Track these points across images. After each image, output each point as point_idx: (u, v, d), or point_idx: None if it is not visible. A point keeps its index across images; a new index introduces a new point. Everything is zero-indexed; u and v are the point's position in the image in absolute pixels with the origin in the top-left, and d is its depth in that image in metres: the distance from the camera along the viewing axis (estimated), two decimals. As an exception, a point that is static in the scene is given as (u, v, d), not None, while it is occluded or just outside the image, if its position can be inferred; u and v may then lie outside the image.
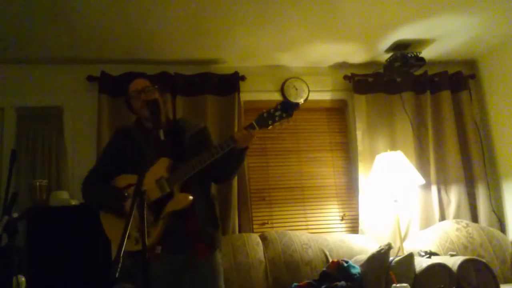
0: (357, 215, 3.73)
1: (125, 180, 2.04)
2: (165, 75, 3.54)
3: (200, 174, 1.96)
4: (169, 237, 1.94)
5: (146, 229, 1.51)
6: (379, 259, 2.89)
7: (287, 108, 1.86)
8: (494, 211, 3.80)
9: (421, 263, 2.86)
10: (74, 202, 3.07)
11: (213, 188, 2.28)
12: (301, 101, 3.89)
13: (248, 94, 3.78)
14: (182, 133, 2.11)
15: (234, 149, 1.94)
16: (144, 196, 1.52)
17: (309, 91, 3.90)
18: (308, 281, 2.96)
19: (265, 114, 1.88)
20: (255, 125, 1.89)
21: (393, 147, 3.70)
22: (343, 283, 2.81)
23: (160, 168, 1.97)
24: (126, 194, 1.97)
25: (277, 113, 1.86)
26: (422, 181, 3.49)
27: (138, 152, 2.00)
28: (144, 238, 1.49)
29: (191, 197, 1.95)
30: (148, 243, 1.83)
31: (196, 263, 2.00)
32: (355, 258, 3.18)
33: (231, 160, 2.02)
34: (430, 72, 3.98)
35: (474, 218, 3.76)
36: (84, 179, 2.20)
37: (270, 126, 1.88)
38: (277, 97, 3.87)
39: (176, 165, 1.98)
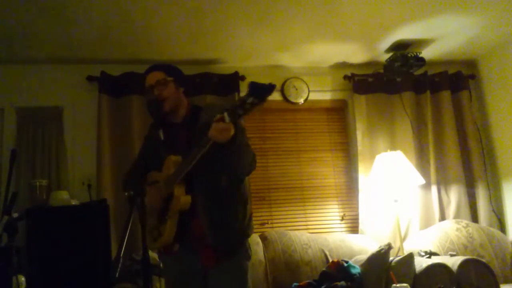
0: (357, 215, 3.73)
1: (154, 176, 1.99)
2: (175, 69, 3.53)
3: (209, 171, 1.84)
4: (183, 236, 1.87)
5: (145, 229, 1.51)
6: (379, 259, 2.88)
7: (257, 92, 1.47)
8: (494, 211, 3.80)
9: (421, 263, 2.86)
10: (74, 202, 3.07)
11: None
12: (301, 101, 3.89)
13: (248, 94, 3.78)
14: (197, 124, 1.93)
15: (220, 145, 1.70)
16: (144, 197, 1.52)
17: (309, 91, 3.90)
18: (308, 281, 2.96)
19: (238, 103, 1.55)
20: (226, 118, 1.59)
21: (393, 147, 3.69)
22: (343, 283, 2.81)
23: (169, 165, 1.91)
24: (126, 194, 1.95)
25: (249, 100, 1.49)
26: (422, 181, 3.49)
27: (154, 150, 1.97)
28: (144, 237, 1.49)
29: (186, 198, 1.85)
30: (163, 241, 1.87)
31: (209, 268, 1.89)
32: (355, 258, 3.18)
33: (227, 155, 1.79)
34: (430, 72, 3.98)
35: (474, 218, 3.76)
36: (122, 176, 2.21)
37: (243, 117, 1.59)
38: (277, 97, 3.86)
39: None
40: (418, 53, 3.67)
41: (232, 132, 1.66)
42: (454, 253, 3.15)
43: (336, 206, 3.86)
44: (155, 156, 1.98)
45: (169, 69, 2.05)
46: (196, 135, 1.86)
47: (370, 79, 3.93)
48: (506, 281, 3.17)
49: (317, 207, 3.82)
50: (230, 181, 1.93)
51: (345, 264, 2.96)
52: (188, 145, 1.90)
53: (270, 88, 1.46)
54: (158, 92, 1.95)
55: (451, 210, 3.76)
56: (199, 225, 1.87)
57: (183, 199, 1.85)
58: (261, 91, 1.46)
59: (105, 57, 3.50)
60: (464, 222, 3.55)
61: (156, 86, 1.96)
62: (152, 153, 2.03)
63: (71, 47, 3.32)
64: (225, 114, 1.59)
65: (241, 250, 1.95)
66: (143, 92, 2.07)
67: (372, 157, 3.69)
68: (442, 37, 3.60)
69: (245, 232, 1.97)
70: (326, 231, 3.71)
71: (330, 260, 3.12)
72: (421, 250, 3.20)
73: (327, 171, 3.92)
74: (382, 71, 3.88)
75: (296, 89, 3.89)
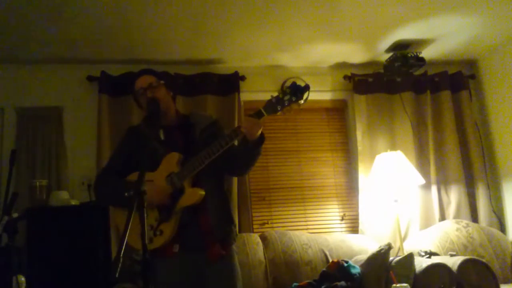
0: (357, 215, 3.73)
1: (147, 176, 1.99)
2: (165, 75, 3.54)
3: (213, 168, 1.91)
4: (185, 235, 1.91)
5: (146, 228, 1.51)
6: (379, 259, 2.88)
7: (297, 90, 1.77)
8: (494, 211, 3.80)
9: (421, 263, 2.86)
10: (74, 202, 3.07)
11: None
12: (301, 101, 3.88)
13: (248, 94, 3.78)
14: (193, 127, 2.07)
15: (246, 141, 1.86)
16: (144, 195, 1.51)
17: (309, 91, 3.89)
18: (308, 281, 2.96)
19: (273, 100, 1.80)
20: (263, 112, 1.80)
21: (393, 147, 3.70)
22: (343, 283, 2.81)
23: (170, 163, 1.94)
24: (126, 194, 1.95)
25: (286, 97, 1.79)
26: (422, 181, 3.49)
27: (148, 149, 1.98)
28: (144, 237, 1.49)
29: (202, 192, 1.90)
30: (163, 240, 1.87)
31: (214, 262, 1.95)
32: (355, 258, 3.18)
33: (244, 152, 1.94)
34: (430, 72, 3.98)
35: (474, 218, 3.76)
36: (95, 177, 2.17)
37: (279, 112, 1.79)
38: (277, 97, 3.87)
39: (187, 160, 1.93)
40: (418, 53, 3.67)
41: (260, 131, 1.84)
42: (454, 253, 3.15)
43: (336, 206, 3.85)
44: (144, 156, 1.97)
45: (159, 75, 2.14)
46: (199, 136, 2.01)
47: (370, 79, 3.93)
48: (506, 281, 3.17)
49: (317, 207, 3.82)
50: (224, 177, 2.11)
51: (345, 264, 2.96)
52: (188, 146, 1.99)
53: (305, 88, 1.77)
54: (151, 94, 2.02)
55: (451, 210, 3.76)
56: (208, 221, 1.93)
57: (199, 192, 1.90)
58: (298, 90, 1.76)
59: (105, 57, 3.50)
60: (464, 222, 3.55)
61: (149, 88, 2.03)
62: (139, 153, 2.00)
63: (71, 47, 3.33)
64: (262, 109, 1.79)
65: (235, 238, 2.08)
66: (133, 94, 2.13)
67: (372, 157, 3.69)
68: (442, 37, 3.60)
69: (236, 224, 2.13)
70: (326, 231, 3.71)
71: (330, 260, 3.12)
72: (421, 250, 3.20)
73: (327, 171, 3.92)
74: (382, 71, 3.87)
75: (296, 89, 3.89)
